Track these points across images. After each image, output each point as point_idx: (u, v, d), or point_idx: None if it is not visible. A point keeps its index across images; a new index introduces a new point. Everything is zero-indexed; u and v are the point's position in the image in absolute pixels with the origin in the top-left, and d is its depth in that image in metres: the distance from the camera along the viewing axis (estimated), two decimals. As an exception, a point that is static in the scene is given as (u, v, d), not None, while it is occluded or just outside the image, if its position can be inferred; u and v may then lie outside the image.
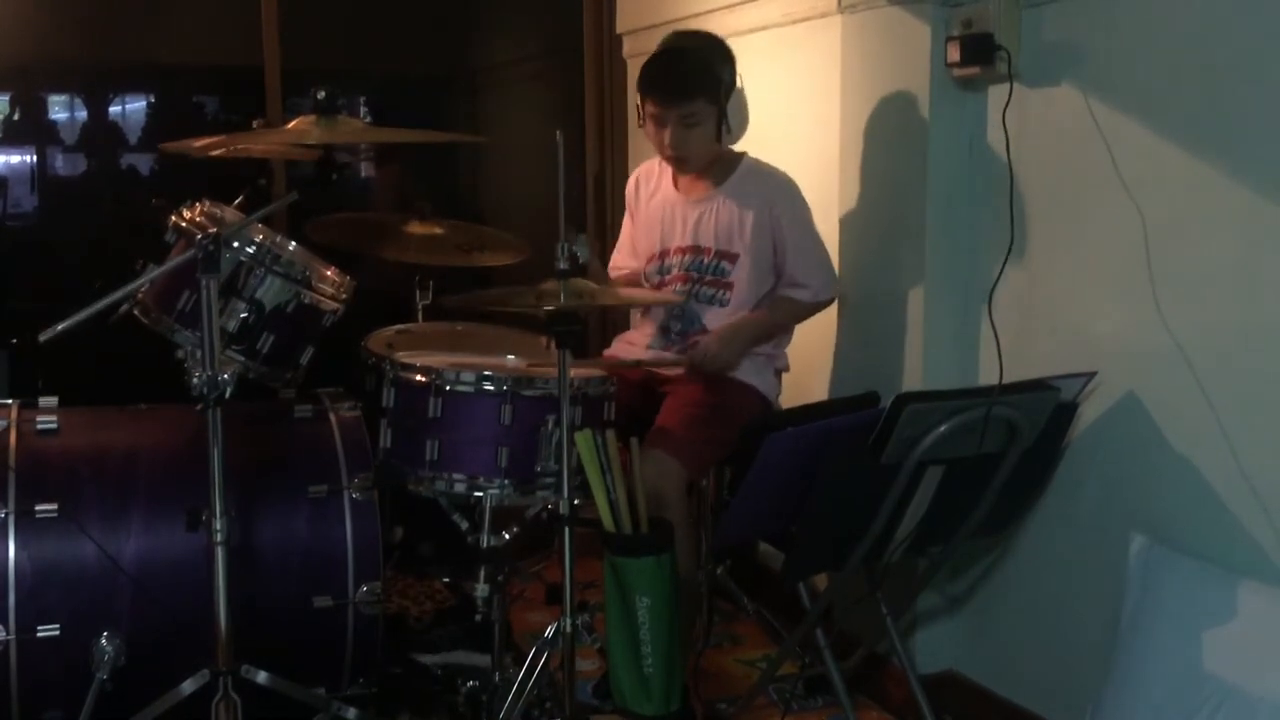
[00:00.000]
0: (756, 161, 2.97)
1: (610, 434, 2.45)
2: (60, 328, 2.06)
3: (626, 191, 3.18)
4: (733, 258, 2.92)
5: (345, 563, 2.50)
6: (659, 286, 3.02)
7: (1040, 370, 2.44)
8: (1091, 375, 2.42)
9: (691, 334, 2.96)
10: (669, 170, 3.03)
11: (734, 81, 2.88)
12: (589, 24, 4.35)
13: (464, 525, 2.51)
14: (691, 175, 2.98)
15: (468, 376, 2.47)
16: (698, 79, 2.82)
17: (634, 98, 2.94)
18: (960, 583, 2.81)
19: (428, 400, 2.46)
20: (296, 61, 4.40)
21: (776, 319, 2.95)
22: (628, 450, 2.52)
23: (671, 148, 2.86)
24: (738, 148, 2.98)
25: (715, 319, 2.93)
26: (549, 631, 2.41)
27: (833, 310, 3.00)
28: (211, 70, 5.89)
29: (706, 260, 2.95)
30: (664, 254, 3.02)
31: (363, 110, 5.90)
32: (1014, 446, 2.34)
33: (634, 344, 3.09)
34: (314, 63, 5.15)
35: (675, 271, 3.00)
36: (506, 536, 2.49)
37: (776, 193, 2.90)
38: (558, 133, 2.29)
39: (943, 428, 2.24)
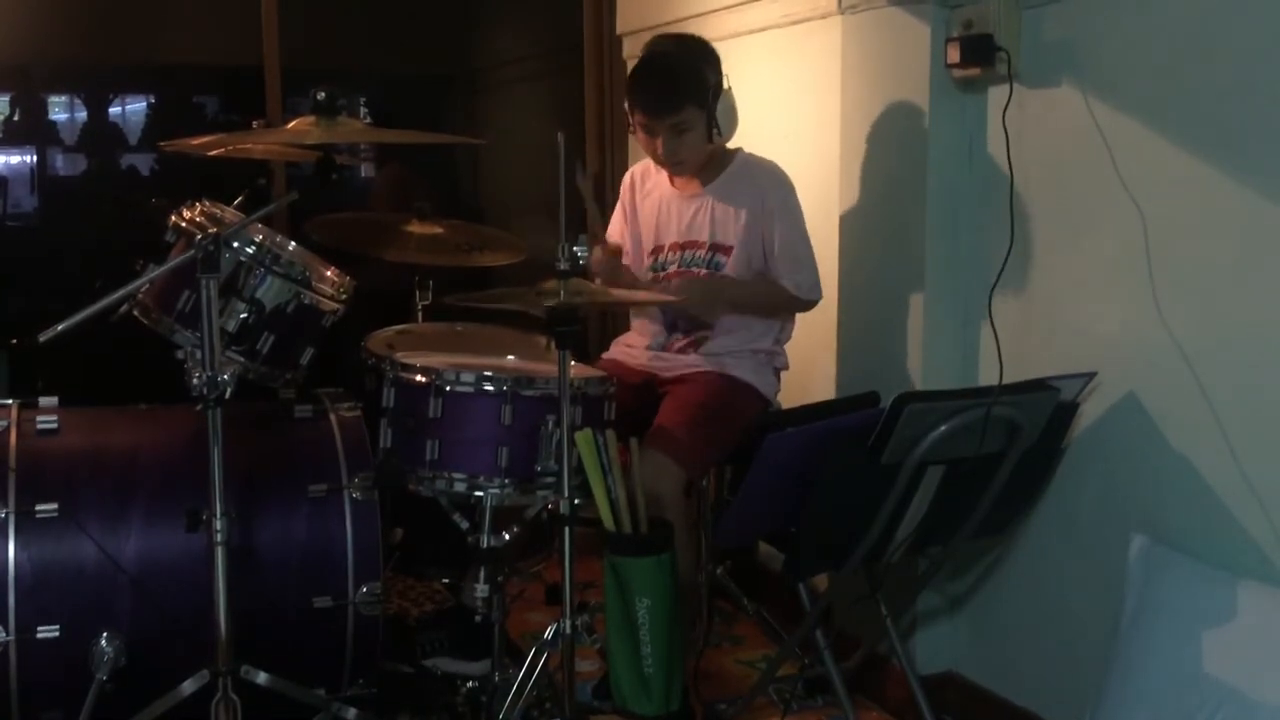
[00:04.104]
0: (751, 156, 2.98)
1: (610, 434, 2.46)
2: (60, 328, 2.06)
3: (622, 187, 3.18)
4: (727, 250, 2.92)
5: (345, 563, 2.49)
6: (655, 282, 3.02)
7: (1040, 370, 2.44)
8: (1091, 375, 2.42)
9: (692, 330, 2.96)
10: None
11: (721, 83, 2.88)
12: (589, 24, 4.35)
13: (464, 525, 2.51)
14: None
15: (468, 376, 2.47)
16: (685, 89, 2.82)
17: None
18: (960, 583, 2.81)
19: (428, 400, 2.45)
20: (296, 61, 4.40)
21: (759, 291, 2.93)
22: (628, 450, 2.52)
23: (664, 156, 2.88)
24: (738, 145, 2.99)
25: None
26: (549, 632, 2.41)
27: (833, 310, 2.99)
28: (211, 70, 5.90)
29: (701, 254, 2.96)
30: (659, 250, 3.03)
31: (363, 110, 5.90)
32: (1014, 446, 2.34)
33: (633, 346, 3.09)
34: (314, 63, 5.16)
35: (672, 268, 3.00)
36: (506, 536, 2.49)
37: (770, 184, 2.90)
38: (559, 135, 2.29)
39: (943, 428, 2.24)
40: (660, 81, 2.85)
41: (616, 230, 3.15)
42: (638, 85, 2.88)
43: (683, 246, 2.99)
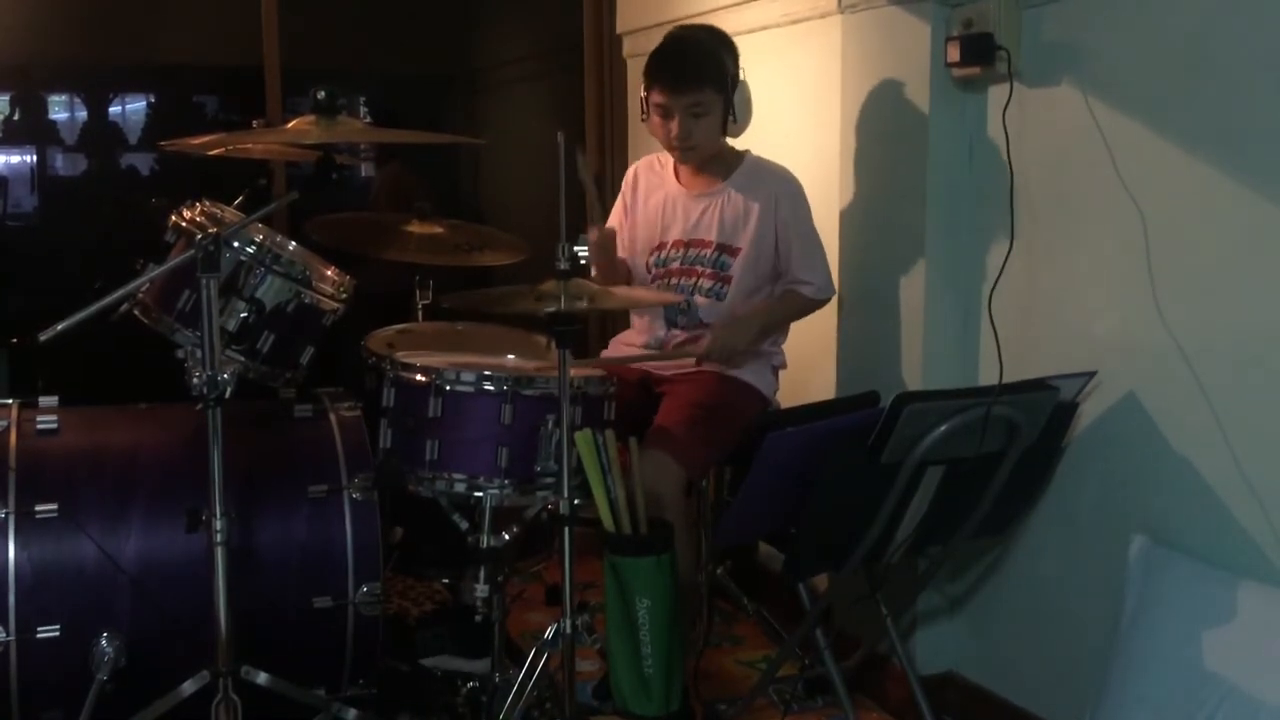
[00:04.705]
0: (761, 158, 2.98)
1: (610, 434, 2.45)
2: (60, 328, 2.06)
3: (624, 183, 3.17)
4: (734, 251, 2.92)
5: (345, 563, 2.49)
6: (657, 279, 3.02)
7: (1040, 370, 2.44)
8: (1091, 375, 2.42)
9: (694, 327, 2.96)
10: (670, 164, 3.03)
11: (738, 74, 2.89)
12: (589, 24, 4.35)
13: (464, 525, 2.51)
14: (694, 169, 2.98)
15: (468, 376, 2.47)
16: (706, 68, 2.83)
17: (635, 97, 2.94)
18: (960, 583, 2.81)
19: (428, 400, 2.45)
20: (296, 61, 4.41)
21: (782, 311, 2.95)
22: (627, 450, 2.52)
23: (678, 138, 2.86)
24: (740, 147, 2.99)
25: (712, 313, 2.94)
26: (549, 632, 2.41)
27: (833, 310, 3.00)
28: (211, 70, 5.91)
29: (707, 253, 2.95)
30: (662, 246, 3.02)
31: (363, 110, 5.91)
32: (1014, 446, 2.34)
33: (631, 345, 3.09)
34: (314, 63, 5.17)
35: (675, 265, 2.99)
36: (506, 536, 2.49)
37: (782, 189, 2.90)
38: (559, 134, 2.29)
39: (943, 428, 2.24)
40: (682, 59, 2.86)
41: (615, 225, 3.15)
42: (659, 61, 2.88)
43: (687, 244, 2.98)
